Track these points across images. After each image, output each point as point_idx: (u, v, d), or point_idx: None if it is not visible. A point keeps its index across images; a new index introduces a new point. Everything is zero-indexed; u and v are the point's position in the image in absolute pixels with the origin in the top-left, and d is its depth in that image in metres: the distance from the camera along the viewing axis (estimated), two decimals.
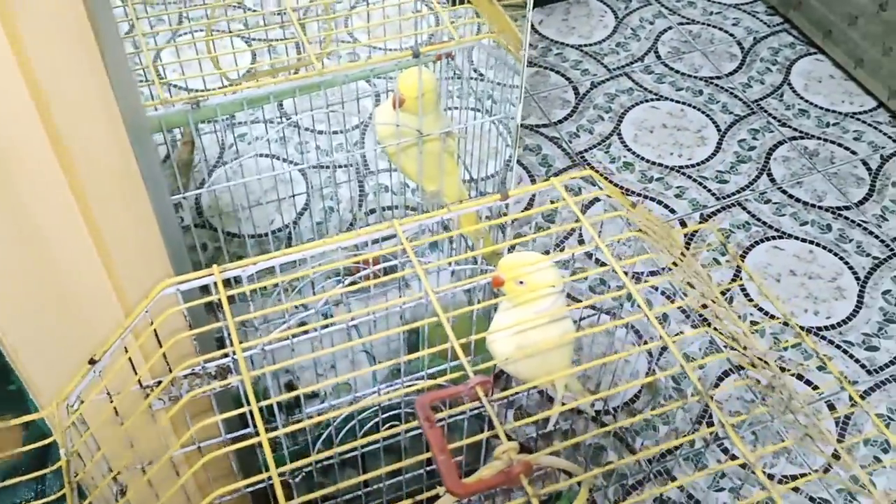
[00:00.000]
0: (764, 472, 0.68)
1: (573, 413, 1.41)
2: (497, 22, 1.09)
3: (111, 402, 0.79)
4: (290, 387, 1.40)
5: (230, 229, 1.70)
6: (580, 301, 1.57)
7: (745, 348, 0.83)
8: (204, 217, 1.74)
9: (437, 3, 1.10)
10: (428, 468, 1.14)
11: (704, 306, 0.88)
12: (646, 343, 1.56)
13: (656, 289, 1.55)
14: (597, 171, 1.90)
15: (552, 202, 1.79)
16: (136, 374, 0.79)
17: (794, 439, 0.73)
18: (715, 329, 0.81)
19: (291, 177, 1.77)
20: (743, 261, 1.71)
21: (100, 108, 0.72)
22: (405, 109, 1.06)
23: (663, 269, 1.65)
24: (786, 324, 0.83)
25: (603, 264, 0.82)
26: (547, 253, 1.04)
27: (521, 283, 0.82)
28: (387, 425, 1.06)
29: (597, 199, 0.91)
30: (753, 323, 1.61)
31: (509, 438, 0.69)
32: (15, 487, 0.84)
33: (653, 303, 1.65)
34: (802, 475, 1.41)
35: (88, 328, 0.82)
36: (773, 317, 1.61)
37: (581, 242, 1.71)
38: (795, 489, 1.39)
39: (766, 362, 0.78)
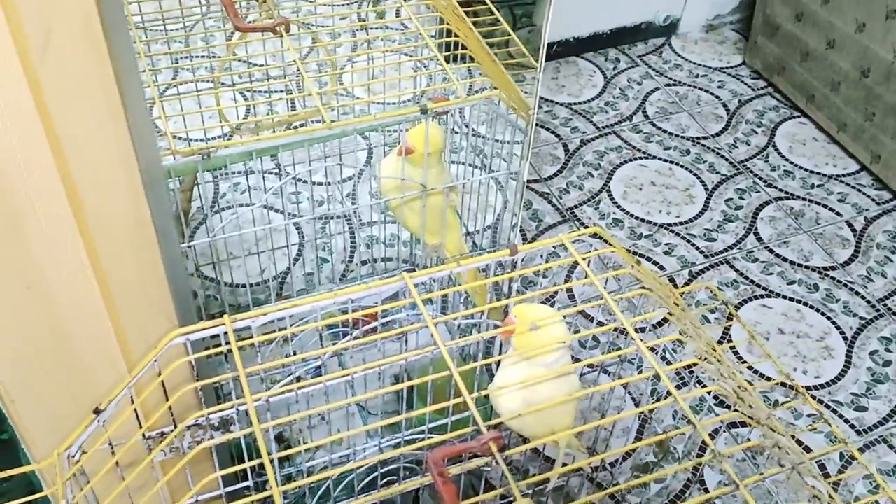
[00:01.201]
0: None
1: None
2: (498, 80, 1.11)
3: (113, 453, 0.78)
4: (280, 437, 1.39)
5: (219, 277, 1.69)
6: (579, 358, 1.57)
7: (750, 407, 0.84)
8: (196, 264, 1.73)
9: (442, 59, 1.12)
10: None
11: (704, 359, 0.88)
12: (638, 405, 1.56)
13: (653, 349, 1.55)
14: (586, 227, 1.92)
15: (541, 256, 1.81)
16: (140, 425, 0.78)
17: (805, 501, 0.73)
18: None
19: (287, 227, 1.77)
20: (732, 319, 1.73)
21: (118, 160, 0.72)
22: (411, 160, 1.07)
23: (659, 324, 1.65)
24: (786, 384, 0.83)
25: (600, 322, 0.83)
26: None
27: (536, 327, 0.82)
28: (384, 480, 1.05)
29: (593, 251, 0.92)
30: (746, 382, 1.61)
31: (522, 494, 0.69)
32: None
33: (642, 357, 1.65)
34: None
35: (88, 378, 0.81)
36: (762, 375, 1.62)
37: (570, 296, 1.71)
38: None
39: (773, 428, 0.78)
